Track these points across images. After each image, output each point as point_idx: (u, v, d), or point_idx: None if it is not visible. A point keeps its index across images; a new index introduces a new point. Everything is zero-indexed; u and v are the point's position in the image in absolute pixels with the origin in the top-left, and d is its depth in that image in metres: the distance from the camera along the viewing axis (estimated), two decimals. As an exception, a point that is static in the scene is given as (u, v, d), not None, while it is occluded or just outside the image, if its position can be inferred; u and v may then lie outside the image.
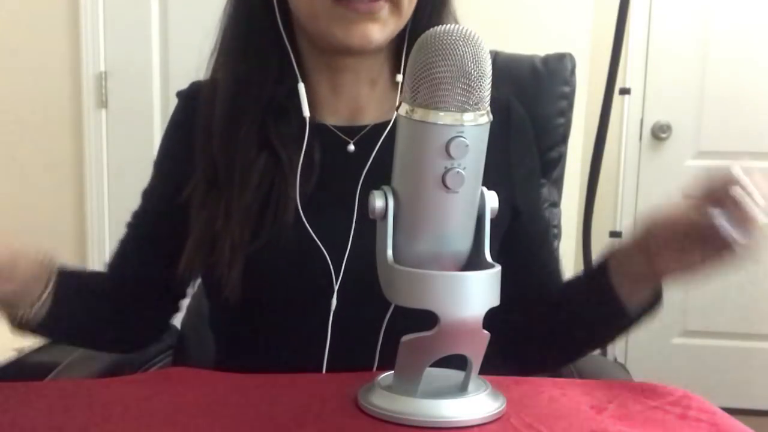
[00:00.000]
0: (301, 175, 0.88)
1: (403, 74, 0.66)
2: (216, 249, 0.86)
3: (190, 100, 0.99)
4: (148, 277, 0.95)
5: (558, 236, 1.26)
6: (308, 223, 0.86)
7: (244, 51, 0.92)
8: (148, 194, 1.01)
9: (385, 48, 0.91)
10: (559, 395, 0.75)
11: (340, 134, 0.93)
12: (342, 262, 0.85)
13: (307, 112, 0.90)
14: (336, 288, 0.85)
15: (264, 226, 0.86)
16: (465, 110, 0.61)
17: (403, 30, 0.90)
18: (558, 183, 1.27)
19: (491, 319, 0.66)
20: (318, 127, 0.92)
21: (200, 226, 0.88)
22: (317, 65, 0.93)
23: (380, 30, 0.85)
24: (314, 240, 0.86)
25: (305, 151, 0.89)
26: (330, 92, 0.94)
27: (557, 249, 1.13)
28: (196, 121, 0.94)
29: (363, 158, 0.89)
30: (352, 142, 0.92)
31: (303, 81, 0.91)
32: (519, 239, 0.95)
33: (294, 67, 0.91)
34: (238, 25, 0.94)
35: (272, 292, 0.87)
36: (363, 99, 0.94)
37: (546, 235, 1.05)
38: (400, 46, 0.93)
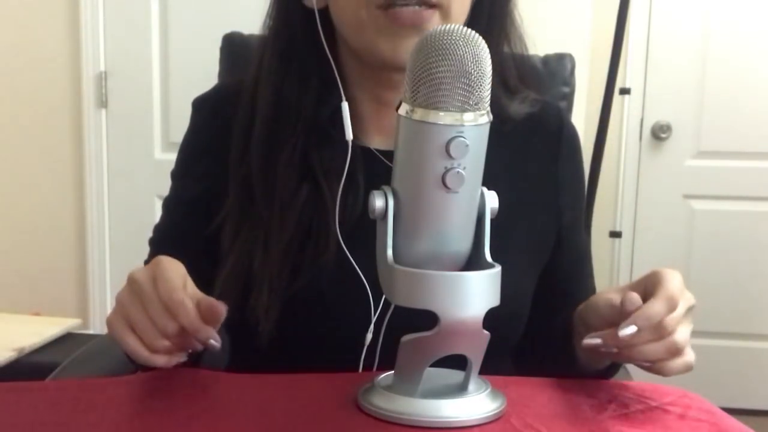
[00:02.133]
0: (346, 204, 0.85)
1: None
2: (253, 290, 0.83)
3: (218, 104, 0.95)
4: None
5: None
6: (352, 253, 0.83)
7: (285, 68, 0.89)
8: (171, 207, 0.96)
9: None
10: (559, 395, 0.75)
11: (385, 160, 0.88)
12: (382, 295, 0.81)
13: (350, 135, 0.85)
14: (373, 321, 0.83)
15: (304, 263, 0.84)
16: (465, 110, 0.61)
17: None
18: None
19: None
20: (363, 152, 0.89)
21: (234, 260, 0.85)
22: (361, 82, 0.90)
23: None
24: (357, 272, 0.83)
25: (350, 179, 0.86)
26: (374, 112, 0.91)
27: (591, 275, 1.04)
28: (227, 130, 0.90)
29: None
30: None
31: (346, 101, 0.87)
32: (551, 268, 0.95)
33: (338, 83, 0.87)
34: (278, 41, 0.90)
35: (307, 331, 0.85)
36: None
37: (579, 265, 1.00)
38: None
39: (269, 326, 0.82)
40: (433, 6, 0.81)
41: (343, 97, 0.87)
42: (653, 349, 0.69)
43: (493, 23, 0.89)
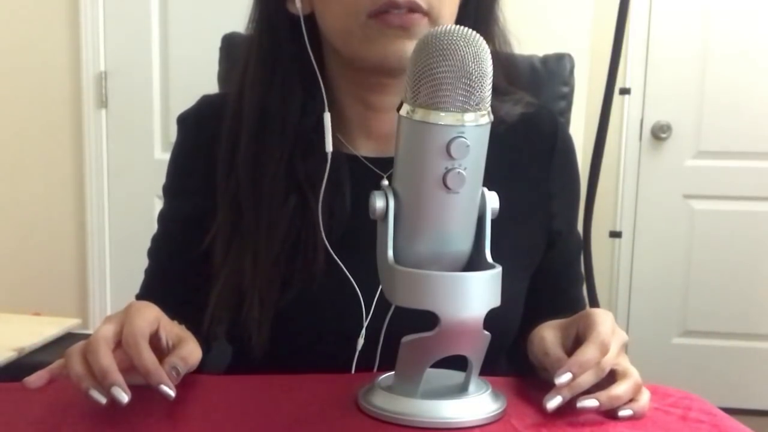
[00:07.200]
0: (332, 214, 0.85)
1: None
2: (244, 305, 0.83)
3: (202, 119, 0.95)
4: (180, 313, 0.80)
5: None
6: (343, 261, 0.83)
7: (269, 77, 0.88)
8: (166, 223, 0.95)
9: None
10: (560, 396, 0.75)
11: (373, 167, 0.89)
12: (373, 300, 0.82)
13: (330, 147, 0.85)
14: (365, 325, 0.83)
15: (294, 275, 0.83)
16: (466, 110, 0.61)
17: None
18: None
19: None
20: (349, 159, 0.88)
21: (225, 277, 0.85)
22: (348, 87, 0.89)
23: None
24: (349, 280, 0.83)
25: (336, 188, 0.86)
26: (362, 118, 0.90)
27: (579, 279, 1.02)
28: (213, 144, 0.90)
29: None
30: (385, 176, 0.88)
31: (333, 109, 0.87)
32: (539, 272, 0.95)
33: (323, 93, 0.86)
34: (262, 48, 0.89)
35: (301, 341, 0.85)
36: (396, 125, 0.89)
37: (567, 271, 0.99)
38: None
39: (262, 340, 0.82)
40: (422, 12, 0.80)
41: (326, 107, 0.86)
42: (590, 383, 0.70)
43: (478, 24, 0.87)
